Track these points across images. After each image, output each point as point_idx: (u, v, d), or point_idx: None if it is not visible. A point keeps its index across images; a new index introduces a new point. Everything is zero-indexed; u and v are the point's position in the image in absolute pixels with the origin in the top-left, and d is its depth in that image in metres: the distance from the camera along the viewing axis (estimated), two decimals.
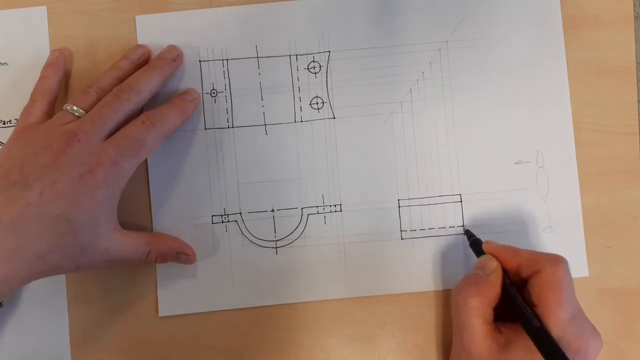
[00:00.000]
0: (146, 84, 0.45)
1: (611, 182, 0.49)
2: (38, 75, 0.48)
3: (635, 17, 0.50)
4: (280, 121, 0.49)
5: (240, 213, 0.49)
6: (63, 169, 0.40)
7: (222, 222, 0.49)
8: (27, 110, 0.46)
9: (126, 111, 0.44)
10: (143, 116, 0.44)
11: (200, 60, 0.50)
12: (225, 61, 0.49)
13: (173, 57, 0.48)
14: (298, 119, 0.49)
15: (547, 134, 0.49)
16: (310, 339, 0.49)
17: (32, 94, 0.47)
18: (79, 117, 0.44)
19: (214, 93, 0.49)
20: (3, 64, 0.50)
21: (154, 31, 0.50)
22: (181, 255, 0.47)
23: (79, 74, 0.50)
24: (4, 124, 0.49)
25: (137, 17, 0.50)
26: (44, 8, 0.50)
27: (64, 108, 0.44)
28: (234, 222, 0.49)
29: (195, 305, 0.48)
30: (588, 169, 0.49)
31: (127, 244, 0.44)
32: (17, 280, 0.40)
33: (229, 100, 0.49)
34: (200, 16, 0.49)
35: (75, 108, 0.44)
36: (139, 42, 0.49)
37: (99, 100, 0.44)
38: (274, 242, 0.49)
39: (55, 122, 0.43)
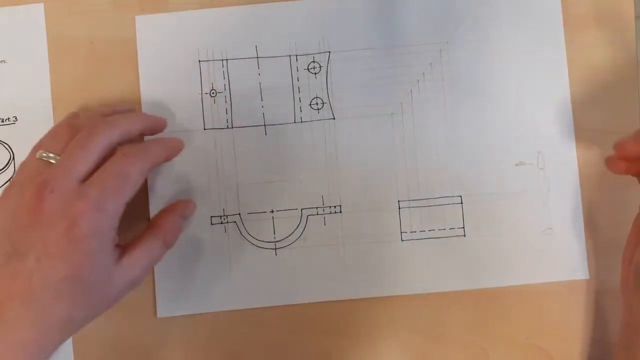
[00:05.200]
0: (123, 123, 0.42)
1: (612, 183, 0.49)
2: (36, 73, 0.49)
3: (635, 17, 0.50)
4: (280, 122, 0.49)
5: (239, 214, 0.49)
6: (47, 228, 0.37)
7: (221, 222, 0.49)
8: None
9: (100, 148, 0.40)
10: (123, 148, 0.41)
11: (199, 61, 0.49)
12: (224, 61, 0.49)
13: (160, 119, 0.46)
14: (298, 119, 0.49)
15: (548, 135, 0.49)
16: (310, 339, 0.49)
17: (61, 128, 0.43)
18: (53, 163, 0.40)
19: (213, 93, 0.49)
20: (1, 61, 0.50)
21: (153, 31, 0.49)
22: (186, 215, 0.46)
23: (79, 74, 0.50)
24: (3, 122, 0.49)
25: (137, 17, 0.49)
26: (41, 5, 0.50)
27: (36, 156, 0.41)
28: (233, 222, 0.49)
29: (193, 306, 0.48)
30: (588, 170, 0.49)
31: (140, 258, 0.41)
32: (54, 343, 0.38)
33: (228, 100, 0.49)
34: (200, 16, 0.49)
35: (46, 154, 0.41)
36: (138, 42, 0.49)
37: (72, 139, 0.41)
38: (274, 243, 0.49)
39: (28, 175, 0.40)
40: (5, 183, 0.49)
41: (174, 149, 0.45)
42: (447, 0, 0.49)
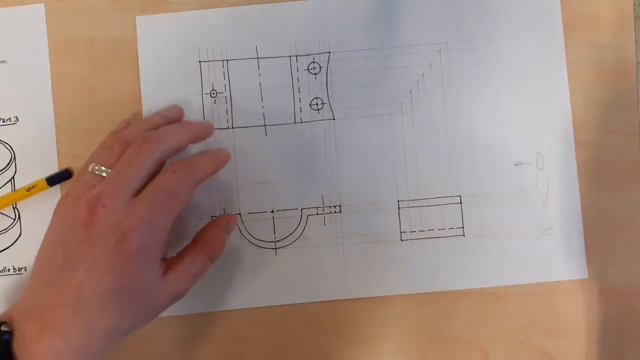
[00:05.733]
0: (172, 136, 0.43)
1: (611, 183, 0.49)
2: (36, 73, 0.49)
3: (635, 17, 0.50)
4: (280, 122, 0.49)
5: (239, 214, 0.49)
6: (97, 242, 0.39)
7: None
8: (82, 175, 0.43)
9: (150, 164, 0.41)
10: (173, 165, 0.42)
11: (200, 61, 0.49)
12: (225, 62, 0.49)
13: (206, 125, 0.47)
14: (298, 119, 0.49)
15: (547, 135, 0.49)
16: (310, 339, 0.49)
17: (111, 140, 0.44)
18: (104, 177, 0.41)
19: (213, 94, 0.49)
20: (1, 62, 0.50)
21: (154, 31, 0.49)
22: (229, 229, 0.47)
23: (79, 74, 0.50)
24: (4, 122, 0.49)
25: (138, 18, 0.49)
26: (42, 5, 0.50)
27: (89, 169, 0.42)
28: None
29: (194, 305, 0.48)
30: (588, 170, 0.49)
31: (185, 273, 0.43)
32: (100, 350, 0.39)
33: (228, 101, 0.49)
34: (200, 17, 0.49)
35: (99, 167, 0.42)
36: (139, 42, 0.49)
37: (124, 152, 0.42)
38: (274, 243, 0.49)
39: (82, 188, 0.41)
40: (7, 183, 0.49)
41: (221, 161, 0.46)
42: (447, 0, 0.50)
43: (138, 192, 0.41)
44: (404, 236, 0.49)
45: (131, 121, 0.48)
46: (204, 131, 0.47)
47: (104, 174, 0.41)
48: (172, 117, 0.48)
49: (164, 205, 0.40)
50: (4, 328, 0.37)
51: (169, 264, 0.42)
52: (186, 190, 0.42)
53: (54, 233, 0.41)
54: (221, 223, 0.47)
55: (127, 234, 0.39)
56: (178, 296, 0.42)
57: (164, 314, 0.48)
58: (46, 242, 0.41)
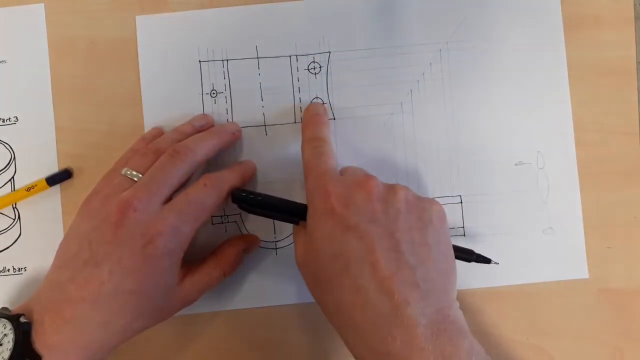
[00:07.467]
0: (202, 147, 0.45)
1: (611, 182, 0.49)
2: (36, 73, 0.49)
3: (635, 17, 0.50)
4: (280, 122, 0.49)
5: (240, 214, 0.49)
6: (125, 243, 0.40)
7: (222, 222, 0.49)
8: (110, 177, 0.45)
9: (181, 174, 0.43)
10: (205, 178, 0.44)
11: (200, 61, 0.49)
12: (225, 61, 0.49)
13: (233, 130, 0.48)
14: (298, 119, 0.49)
15: (547, 135, 0.49)
16: (310, 339, 0.49)
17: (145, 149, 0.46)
18: (136, 182, 0.43)
19: (213, 93, 0.49)
20: (1, 61, 0.50)
21: (154, 31, 0.49)
22: (249, 250, 0.48)
23: (79, 74, 0.50)
24: (4, 122, 0.49)
25: (137, 17, 0.49)
26: (42, 5, 0.50)
27: (122, 172, 0.43)
28: (233, 222, 0.49)
29: (194, 305, 0.48)
30: (588, 169, 0.49)
31: (200, 282, 0.44)
32: (112, 345, 0.41)
33: (229, 100, 0.49)
34: (200, 16, 0.49)
35: (131, 172, 0.43)
36: (138, 42, 0.49)
37: (156, 160, 0.44)
38: (274, 243, 0.49)
39: (113, 189, 0.42)
40: (7, 183, 0.49)
41: (248, 176, 0.48)
42: (447, 0, 0.50)
43: (167, 200, 0.42)
44: None
45: (162, 129, 0.49)
46: (232, 137, 0.48)
47: (135, 179, 0.43)
48: (202, 127, 0.48)
49: (192, 215, 0.42)
50: (22, 320, 0.39)
51: (186, 271, 0.44)
52: (214, 203, 0.43)
53: (79, 229, 0.42)
54: (242, 244, 0.48)
55: (155, 238, 0.40)
56: (188, 303, 0.44)
57: None
58: (70, 238, 0.42)
